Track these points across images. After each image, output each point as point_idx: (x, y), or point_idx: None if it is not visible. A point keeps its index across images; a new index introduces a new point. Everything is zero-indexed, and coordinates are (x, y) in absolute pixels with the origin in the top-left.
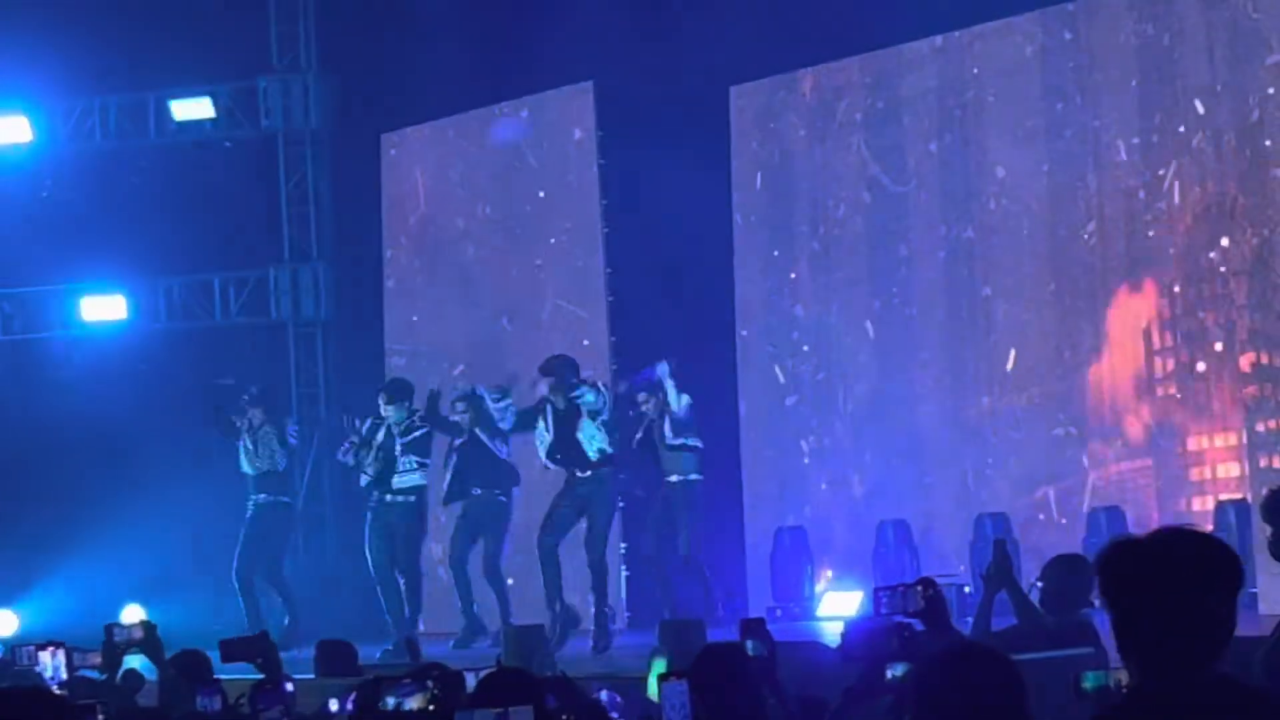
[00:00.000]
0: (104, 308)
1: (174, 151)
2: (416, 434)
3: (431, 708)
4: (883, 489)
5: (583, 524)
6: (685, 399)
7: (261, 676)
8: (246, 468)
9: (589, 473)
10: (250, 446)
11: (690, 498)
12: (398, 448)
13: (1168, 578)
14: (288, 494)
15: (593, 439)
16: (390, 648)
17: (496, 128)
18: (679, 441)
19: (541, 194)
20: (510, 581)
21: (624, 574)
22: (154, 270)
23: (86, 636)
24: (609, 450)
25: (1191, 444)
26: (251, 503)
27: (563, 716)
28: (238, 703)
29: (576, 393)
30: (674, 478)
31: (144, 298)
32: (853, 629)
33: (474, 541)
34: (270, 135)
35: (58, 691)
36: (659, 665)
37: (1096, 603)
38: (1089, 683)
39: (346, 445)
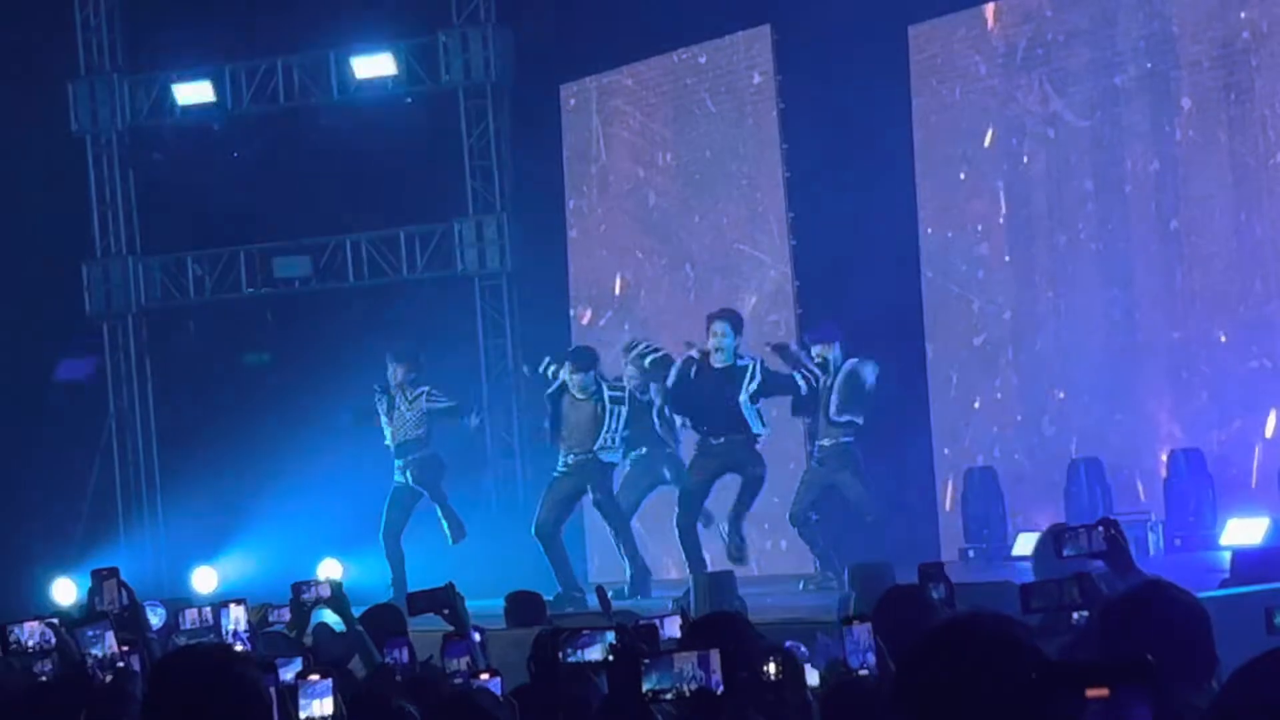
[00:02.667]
0: (293, 265)
1: (357, 109)
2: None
3: (611, 658)
4: (1073, 426)
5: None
6: (872, 368)
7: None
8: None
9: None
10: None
11: (846, 459)
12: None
13: None
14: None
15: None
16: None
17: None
18: (844, 419)
19: (721, 140)
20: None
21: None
22: (340, 227)
23: (277, 593)
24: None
25: None
26: None
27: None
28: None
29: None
30: (827, 441)
31: (331, 254)
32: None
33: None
34: (451, 90)
35: (240, 648)
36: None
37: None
38: None
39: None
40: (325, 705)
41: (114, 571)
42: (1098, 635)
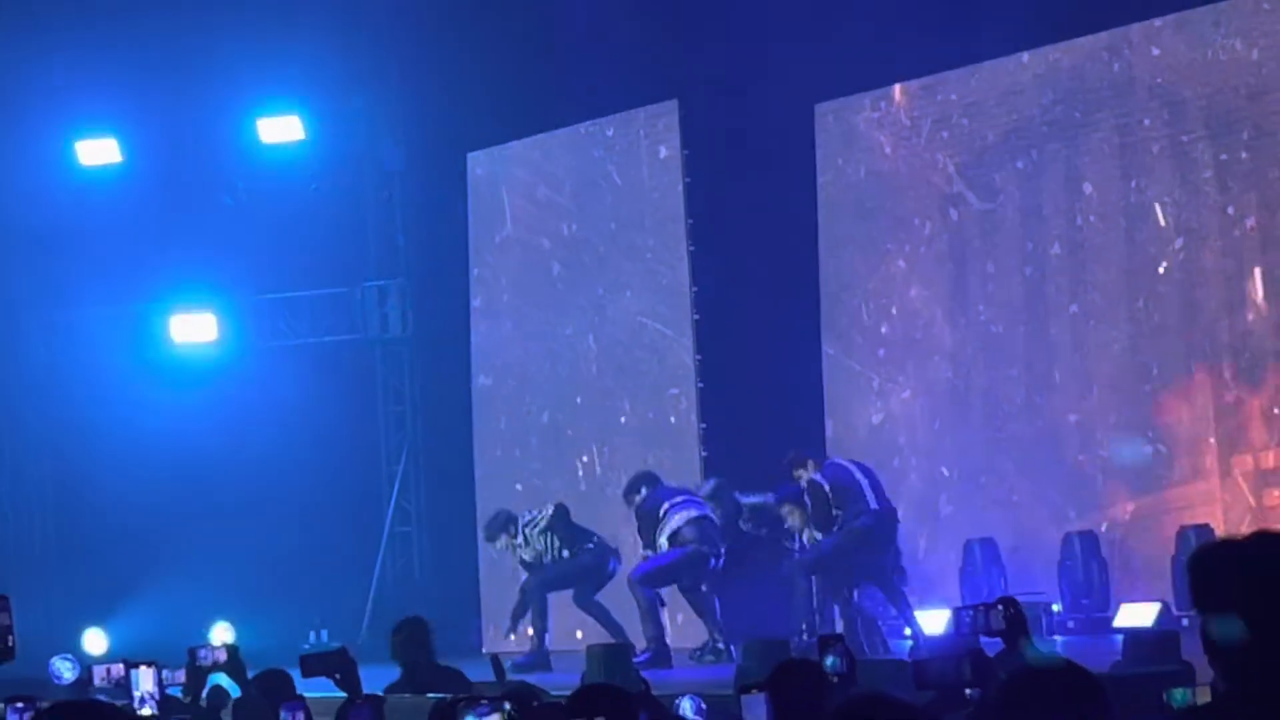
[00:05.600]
0: (193, 327)
1: (262, 171)
2: None
3: None
4: (970, 506)
5: None
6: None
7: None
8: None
9: None
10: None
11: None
12: None
13: (1257, 581)
14: None
15: None
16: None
17: None
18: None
19: (627, 212)
20: None
21: None
22: (243, 289)
23: (170, 655)
24: None
25: None
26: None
27: None
28: None
29: None
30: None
31: (233, 316)
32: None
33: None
34: (357, 154)
35: (148, 712)
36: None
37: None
38: (1177, 700)
39: None
40: None
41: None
42: (996, 711)
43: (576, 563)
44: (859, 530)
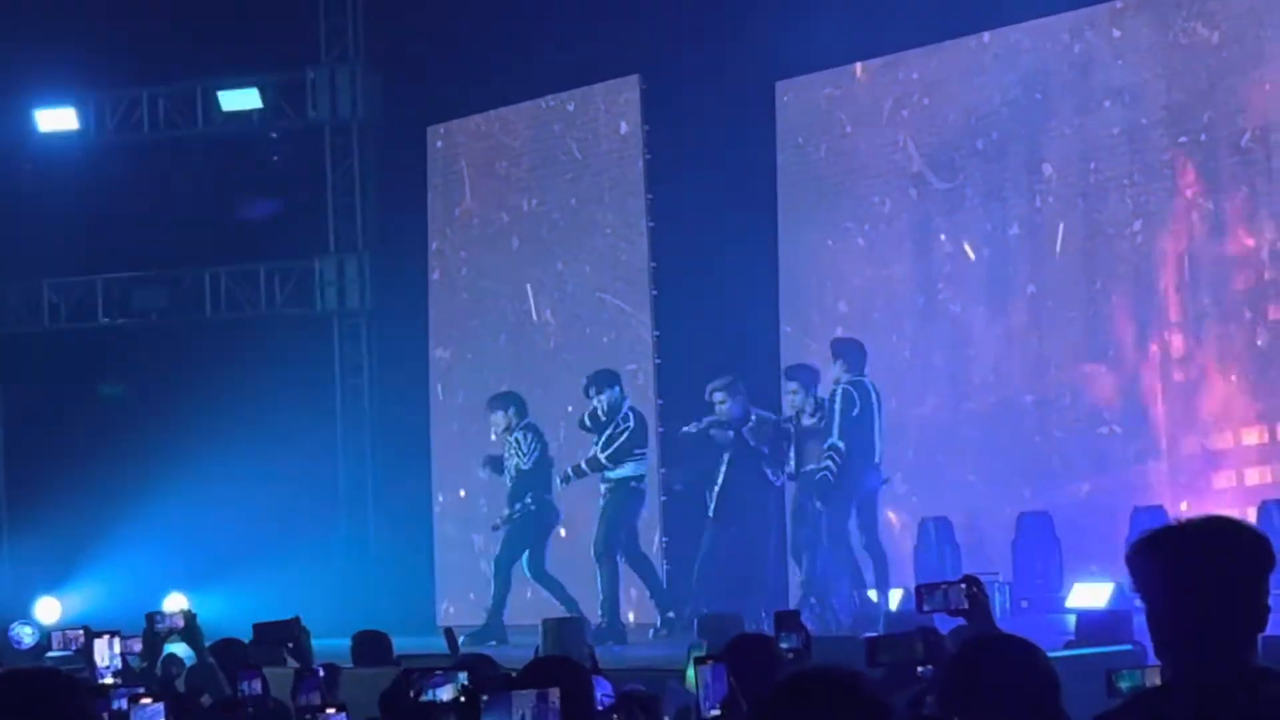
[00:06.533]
0: (151, 298)
1: (222, 142)
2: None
3: (462, 699)
4: (926, 486)
5: None
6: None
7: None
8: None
9: None
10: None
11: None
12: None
13: (1198, 563)
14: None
15: None
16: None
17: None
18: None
19: (586, 188)
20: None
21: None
22: (201, 260)
23: (127, 624)
24: None
25: (1246, 439)
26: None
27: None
28: None
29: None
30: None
31: (190, 288)
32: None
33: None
34: (317, 127)
35: (110, 681)
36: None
37: None
38: (1125, 681)
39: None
40: None
41: None
42: (944, 688)
43: (537, 519)
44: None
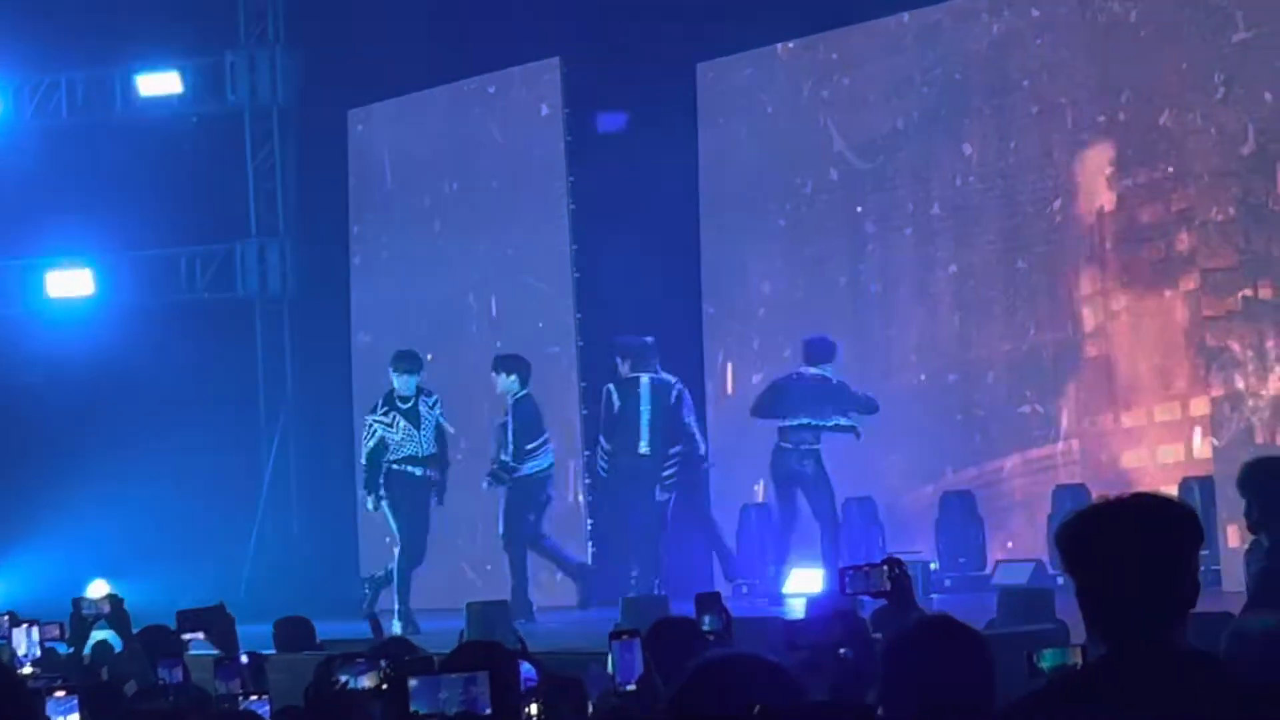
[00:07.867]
0: (70, 283)
1: (141, 127)
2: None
3: (384, 686)
4: (848, 466)
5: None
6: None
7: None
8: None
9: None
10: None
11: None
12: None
13: (1128, 540)
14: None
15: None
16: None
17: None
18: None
19: (507, 170)
20: None
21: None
22: (120, 245)
23: (49, 611)
24: None
25: (1158, 416)
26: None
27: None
28: None
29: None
30: None
31: (110, 272)
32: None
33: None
34: (237, 111)
35: (29, 669)
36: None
37: None
38: (1047, 661)
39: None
40: None
41: None
42: (883, 670)
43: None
44: None
